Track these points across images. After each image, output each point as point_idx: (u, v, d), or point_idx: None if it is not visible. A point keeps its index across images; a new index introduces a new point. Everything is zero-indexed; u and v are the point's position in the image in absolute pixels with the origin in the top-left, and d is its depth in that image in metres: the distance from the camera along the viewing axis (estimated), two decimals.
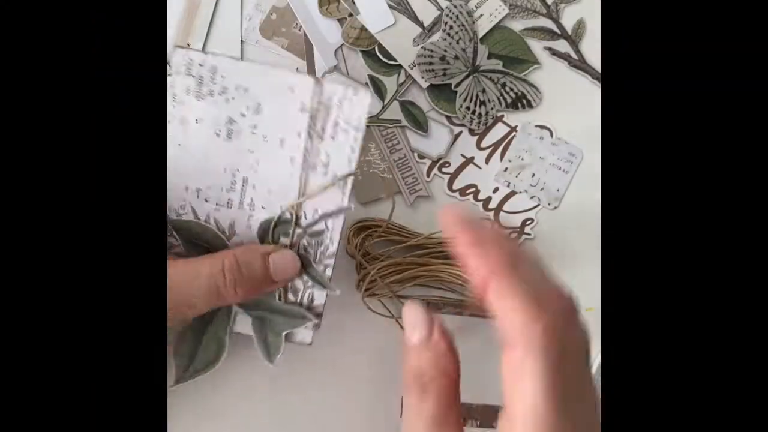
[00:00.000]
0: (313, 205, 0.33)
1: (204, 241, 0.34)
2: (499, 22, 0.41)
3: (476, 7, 0.41)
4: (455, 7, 0.40)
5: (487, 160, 0.42)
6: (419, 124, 0.41)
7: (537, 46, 0.41)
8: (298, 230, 0.33)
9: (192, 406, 0.39)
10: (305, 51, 0.41)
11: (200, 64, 0.31)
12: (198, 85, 0.31)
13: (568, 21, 0.41)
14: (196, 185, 0.32)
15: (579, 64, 0.41)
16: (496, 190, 0.42)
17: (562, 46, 0.41)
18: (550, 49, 0.41)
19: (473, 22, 0.41)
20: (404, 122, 0.41)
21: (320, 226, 0.33)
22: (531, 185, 0.42)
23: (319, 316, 0.35)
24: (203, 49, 0.40)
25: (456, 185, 0.41)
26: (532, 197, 0.42)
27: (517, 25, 0.41)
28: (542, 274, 0.25)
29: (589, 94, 0.41)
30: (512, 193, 0.42)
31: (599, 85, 0.41)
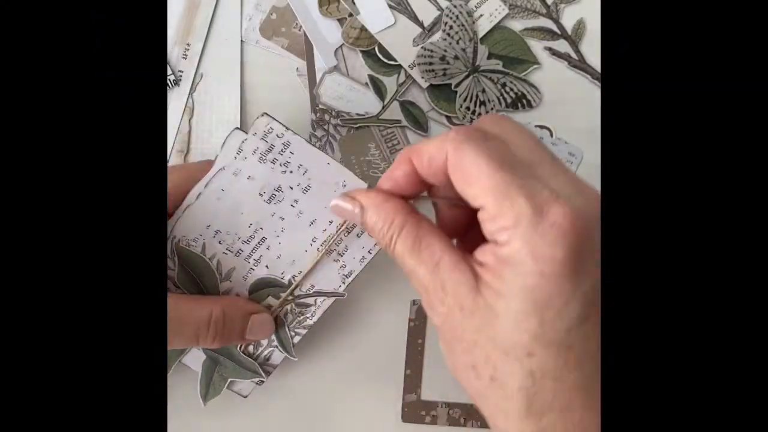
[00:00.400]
0: (311, 279, 0.35)
1: (198, 275, 0.35)
2: (499, 22, 0.41)
3: (476, 7, 0.41)
4: (455, 7, 0.40)
5: None
6: (419, 124, 0.41)
7: (537, 46, 0.41)
8: (289, 297, 0.36)
9: (192, 403, 0.39)
10: (305, 51, 0.41)
11: (278, 135, 0.33)
12: (267, 150, 0.33)
13: (568, 21, 0.41)
14: (218, 227, 0.34)
15: (579, 64, 0.41)
16: None
17: (562, 46, 0.41)
18: (550, 49, 0.41)
19: (473, 22, 0.41)
20: (404, 122, 0.41)
21: (310, 300, 0.36)
22: None
23: (268, 374, 0.37)
24: (199, 64, 0.40)
25: None
26: None
27: (517, 25, 0.41)
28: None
29: (589, 94, 0.41)
30: None
31: (599, 85, 0.41)
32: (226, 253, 0.35)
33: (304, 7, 0.40)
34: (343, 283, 0.35)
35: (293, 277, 0.35)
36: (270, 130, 0.33)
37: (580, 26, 0.41)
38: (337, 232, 0.34)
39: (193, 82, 0.40)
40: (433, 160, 0.26)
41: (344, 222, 0.34)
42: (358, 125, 0.41)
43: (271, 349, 0.37)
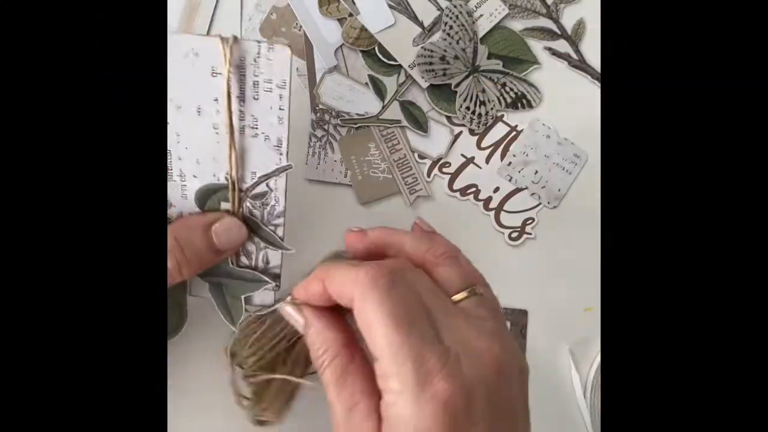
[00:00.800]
0: (250, 168, 0.32)
1: None
2: (499, 22, 0.41)
3: (476, 7, 0.41)
4: (455, 7, 0.40)
5: (487, 160, 0.42)
6: (419, 124, 0.41)
7: (537, 46, 0.41)
8: (239, 194, 0.32)
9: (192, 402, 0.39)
10: (305, 51, 0.41)
11: None
12: None
13: (568, 21, 0.41)
14: None
15: (579, 64, 0.41)
16: (496, 189, 0.42)
17: (562, 46, 0.41)
18: (550, 49, 0.41)
19: (473, 22, 0.41)
20: (404, 122, 0.41)
21: (262, 188, 0.32)
22: (533, 182, 0.42)
23: (276, 277, 0.34)
24: None
25: (456, 185, 0.41)
26: (532, 194, 0.42)
27: (517, 25, 0.41)
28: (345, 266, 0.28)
29: (589, 94, 0.41)
30: (513, 193, 0.42)
31: (599, 85, 0.41)
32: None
33: (304, 7, 0.40)
34: (280, 153, 0.32)
35: (227, 174, 0.32)
36: None
37: (580, 26, 0.41)
38: (228, 105, 0.30)
39: None
40: (342, 295, 0.27)
41: (227, 91, 0.30)
42: (358, 125, 0.41)
43: (263, 252, 0.34)
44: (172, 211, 0.33)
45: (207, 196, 0.33)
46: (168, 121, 0.31)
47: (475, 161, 0.41)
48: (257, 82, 0.30)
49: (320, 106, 0.41)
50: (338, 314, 0.30)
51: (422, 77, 0.40)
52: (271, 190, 0.33)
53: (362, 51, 0.41)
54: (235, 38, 0.29)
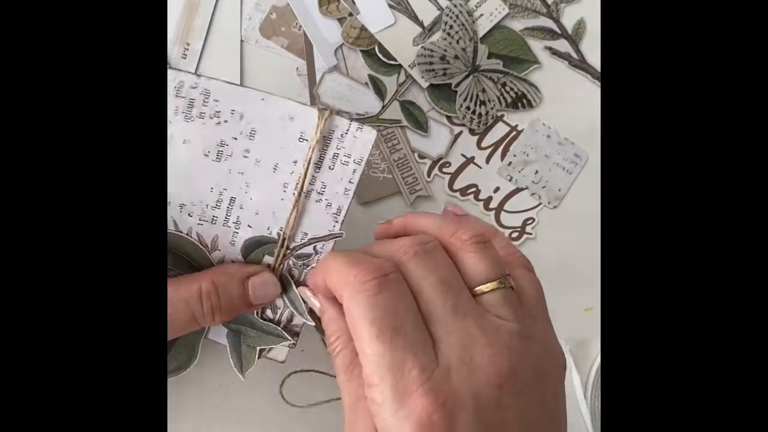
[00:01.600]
0: (303, 228, 0.33)
1: (184, 254, 0.33)
2: (500, 21, 0.41)
3: (476, 7, 0.41)
4: (455, 6, 0.40)
5: (487, 160, 0.42)
6: (419, 124, 0.41)
7: (537, 45, 0.41)
8: (285, 251, 0.33)
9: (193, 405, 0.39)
10: (305, 51, 0.41)
11: (192, 87, 0.30)
12: (188, 107, 0.30)
13: (568, 21, 0.41)
14: (180, 201, 0.32)
15: (579, 64, 0.41)
16: (496, 189, 0.42)
17: (562, 45, 0.41)
18: (550, 48, 0.41)
19: (473, 22, 0.41)
20: (404, 122, 0.41)
21: (308, 249, 0.33)
22: (533, 182, 0.42)
23: (296, 335, 0.35)
24: (199, 63, 0.40)
25: (456, 185, 0.41)
26: (533, 194, 0.42)
27: (517, 25, 0.41)
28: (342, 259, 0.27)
29: (589, 94, 0.41)
30: (513, 193, 0.42)
31: (599, 85, 0.41)
32: (202, 224, 0.32)
33: (303, 6, 0.40)
34: (336, 221, 0.32)
35: (281, 229, 0.32)
36: (181, 84, 0.30)
37: (580, 26, 0.41)
38: (305, 170, 0.31)
39: None
40: (337, 293, 0.26)
41: (309, 158, 0.31)
42: None
43: (289, 309, 0.34)
44: (216, 255, 0.34)
45: (254, 248, 0.33)
46: (242, 172, 0.32)
47: (475, 161, 0.41)
48: (337, 154, 0.32)
49: (320, 106, 0.40)
50: None
51: (422, 77, 0.40)
52: (317, 253, 0.33)
53: (362, 51, 0.41)
54: (331, 112, 0.31)
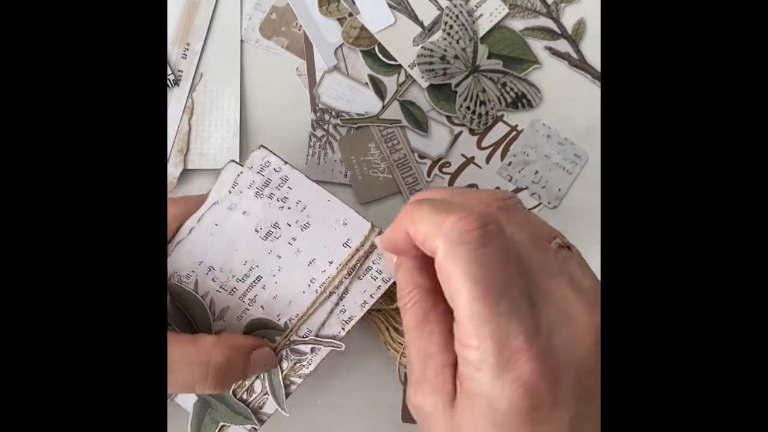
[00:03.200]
0: (309, 324, 0.34)
1: (189, 313, 0.34)
2: (500, 21, 0.41)
3: (476, 7, 0.41)
4: (455, 6, 0.40)
5: (487, 160, 0.42)
6: (419, 124, 0.41)
7: (537, 45, 0.41)
8: (286, 341, 0.34)
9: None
10: (305, 51, 0.41)
11: (276, 169, 0.32)
12: (264, 185, 0.32)
13: (568, 21, 0.41)
14: (211, 263, 0.33)
15: (579, 64, 0.41)
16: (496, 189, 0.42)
17: (562, 45, 0.41)
18: (550, 48, 0.41)
19: (473, 22, 0.41)
20: (404, 122, 0.41)
21: (306, 347, 0.34)
22: (533, 182, 0.42)
23: (261, 422, 0.35)
24: (198, 64, 0.40)
25: (457, 185, 0.41)
26: (532, 194, 0.42)
27: (517, 25, 0.41)
28: (452, 197, 0.25)
29: (589, 94, 0.41)
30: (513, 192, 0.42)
31: (599, 85, 0.41)
32: (220, 291, 0.33)
33: (303, 6, 0.40)
34: (343, 329, 0.34)
35: (290, 320, 0.34)
36: (267, 164, 0.32)
37: (580, 26, 0.41)
38: (337, 273, 0.33)
39: (192, 81, 0.40)
40: (426, 245, 0.24)
41: (346, 263, 0.33)
42: (358, 125, 0.41)
43: (265, 396, 0.35)
44: (217, 324, 0.34)
45: (256, 329, 0.34)
46: (280, 255, 0.33)
47: (475, 161, 0.41)
48: (371, 267, 0.33)
49: (320, 106, 0.41)
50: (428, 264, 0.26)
51: (422, 77, 0.40)
52: (311, 354, 0.34)
53: (362, 51, 0.41)
54: (380, 230, 0.32)
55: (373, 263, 0.33)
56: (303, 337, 0.34)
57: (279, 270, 0.33)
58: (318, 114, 0.41)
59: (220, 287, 0.33)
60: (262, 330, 0.34)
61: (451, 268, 0.22)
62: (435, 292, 0.26)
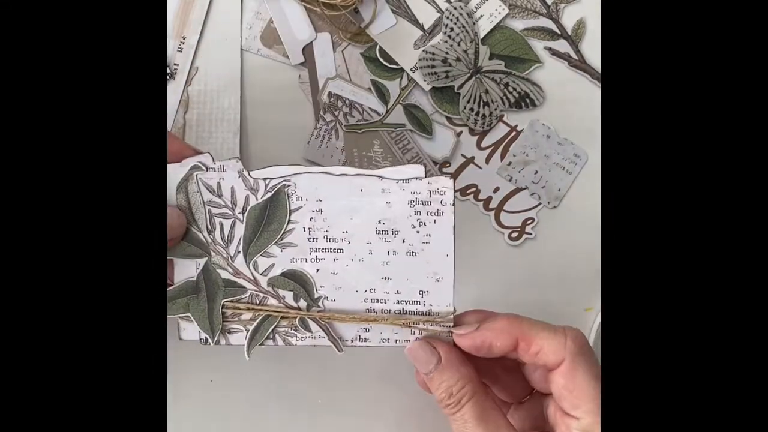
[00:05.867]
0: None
1: (270, 211, 0.33)
2: (500, 22, 0.41)
3: (476, 8, 0.41)
4: (455, 8, 0.40)
5: (487, 160, 0.42)
6: (423, 127, 0.41)
7: (537, 45, 0.41)
8: (311, 307, 0.33)
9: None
10: (306, 58, 0.41)
11: (442, 202, 0.33)
12: (424, 201, 0.33)
13: (568, 21, 0.42)
14: (323, 207, 0.33)
15: (579, 64, 0.42)
16: (496, 189, 0.42)
17: (562, 46, 0.42)
18: (550, 49, 0.42)
19: (474, 23, 0.41)
20: (408, 126, 0.41)
21: (314, 326, 0.33)
22: (533, 182, 0.42)
23: (217, 343, 0.33)
24: (194, 58, 0.40)
25: (457, 185, 0.42)
26: (532, 194, 0.42)
27: (517, 25, 0.41)
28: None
29: (589, 94, 0.41)
30: (513, 193, 0.42)
31: (599, 85, 0.41)
32: (304, 230, 0.33)
33: (278, 6, 0.40)
34: (357, 339, 0.33)
35: (324, 300, 0.33)
36: (443, 191, 0.33)
37: (580, 26, 0.41)
38: (393, 314, 0.33)
39: (188, 75, 0.40)
40: (544, 355, 0.29)
41: (406, 315, 0.32)
42: (362, 130, 0.41)
43: (241, 331, 0.33)
44: (275, 246, 0.33)
45: (295, 280, 0.33)
46: (374, 251, 0.33)
47: (475, 161, 0.42)
48: (418, 325, 0.33)
49: (334, 92, 0.40)
50: (469, 360, 0.30)
51: (425, 80, 0.40)
52: (308, 333, 0.33)
53: (364, 56, 0.41)
54: (454, 316, 0.32)
55: (423, 324, 0.32)
56: (317, 316, 0.33)
57: (360, 261, 0.33)
58: (332, 99, 0.41)
59: (307, 227, 0.33)
60: (297, 286, 0.33)
61: (578, 375, 0.28)
62: (484, 384, 0.29)
